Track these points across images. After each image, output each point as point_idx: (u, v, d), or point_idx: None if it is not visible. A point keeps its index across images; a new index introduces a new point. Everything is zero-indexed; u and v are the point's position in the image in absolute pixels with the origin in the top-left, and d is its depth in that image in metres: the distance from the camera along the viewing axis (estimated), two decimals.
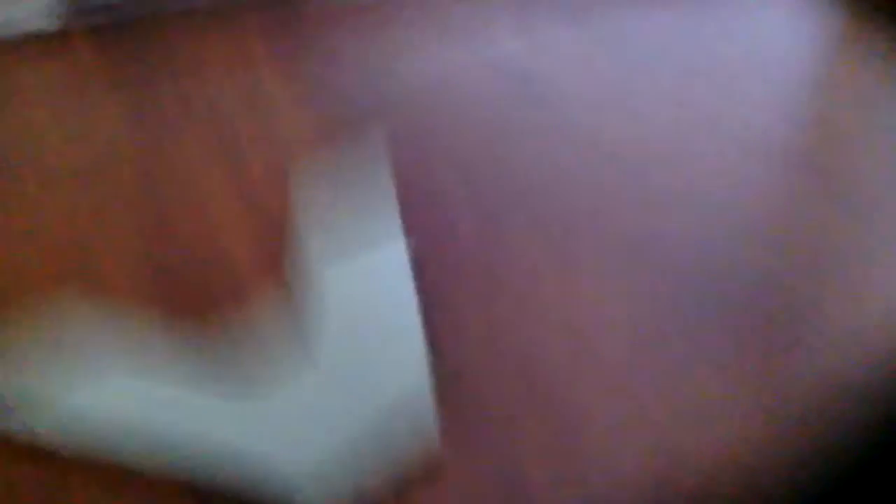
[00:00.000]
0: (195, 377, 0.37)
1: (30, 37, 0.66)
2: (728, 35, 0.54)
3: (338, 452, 0.38)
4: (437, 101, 0.53)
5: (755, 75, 0.50)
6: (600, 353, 0.37)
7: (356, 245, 0.50)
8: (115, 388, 0.36)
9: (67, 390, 0.35)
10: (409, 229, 0.52)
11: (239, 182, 0.49)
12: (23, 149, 0.52)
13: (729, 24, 0.55)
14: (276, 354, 0.40)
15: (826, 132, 0.47)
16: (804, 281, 0.39)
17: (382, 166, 0.50)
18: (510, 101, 0.51)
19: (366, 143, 0.52)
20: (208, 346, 0.39)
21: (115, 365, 0.37)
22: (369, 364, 0.41)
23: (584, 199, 0.45)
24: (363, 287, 0.46)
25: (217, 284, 0.42)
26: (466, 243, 0.48)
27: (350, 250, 0.49)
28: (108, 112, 0.59)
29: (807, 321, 0.37)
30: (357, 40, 0.60)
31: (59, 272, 0.41)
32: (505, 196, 0.48)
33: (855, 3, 0.57)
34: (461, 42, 0.56)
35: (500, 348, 0.39)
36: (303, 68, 0.58)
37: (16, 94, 0.59)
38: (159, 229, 0.45)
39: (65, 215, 0.46)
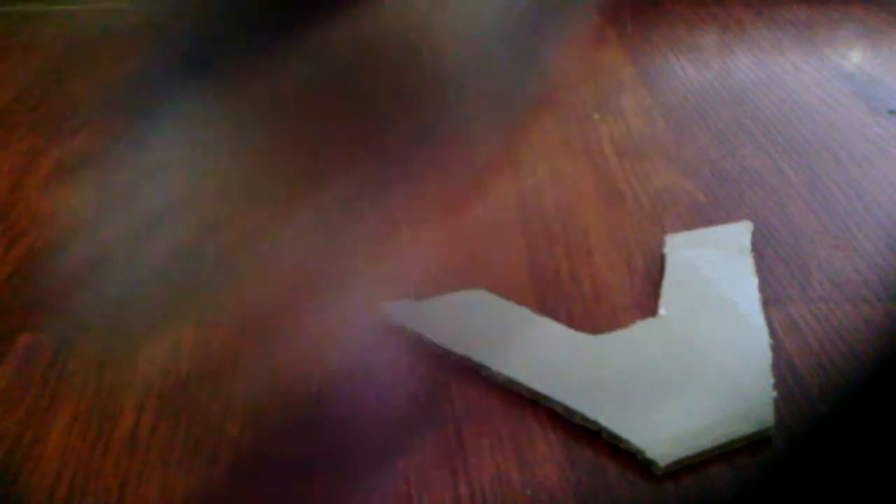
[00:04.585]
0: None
1: None
2: None
3: (681, 416, 0.41)
4: None
5: None
6: None
7: (706, 235, 0.53)
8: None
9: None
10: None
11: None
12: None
13: None
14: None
15: None
16: None
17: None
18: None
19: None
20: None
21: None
22: (713, 341, 0.44)
23: None
24: (709, 271, 0.49)
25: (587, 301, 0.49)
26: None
27: (700, 239, 0.53)
28: None
29: None
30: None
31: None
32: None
33: None
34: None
35: None
36: None
37: None
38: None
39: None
